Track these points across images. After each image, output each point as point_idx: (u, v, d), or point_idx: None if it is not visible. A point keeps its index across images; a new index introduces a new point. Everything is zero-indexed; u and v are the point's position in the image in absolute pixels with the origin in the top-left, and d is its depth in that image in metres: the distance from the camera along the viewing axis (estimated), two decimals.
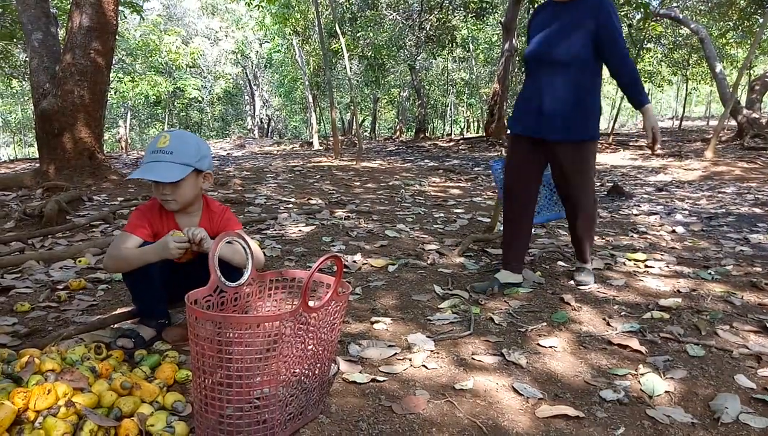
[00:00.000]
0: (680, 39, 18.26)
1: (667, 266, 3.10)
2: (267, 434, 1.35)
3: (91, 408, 1.38)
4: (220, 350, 1.29)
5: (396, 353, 1.91)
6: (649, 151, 2.68)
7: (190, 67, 23.77)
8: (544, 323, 2.23)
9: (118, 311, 2.22)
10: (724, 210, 5.17)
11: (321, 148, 15.25)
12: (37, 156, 6.45)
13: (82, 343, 1.85)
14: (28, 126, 24.22)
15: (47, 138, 5.72)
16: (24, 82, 15.42)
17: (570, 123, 2.43)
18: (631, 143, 13.08)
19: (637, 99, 2.45)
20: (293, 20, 16.45)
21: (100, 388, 1.47)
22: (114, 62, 7.22)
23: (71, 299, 2.40)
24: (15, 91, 22.29)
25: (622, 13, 12.74)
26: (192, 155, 1.86)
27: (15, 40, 11.93)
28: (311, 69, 18.77)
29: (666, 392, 1.68)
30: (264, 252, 3.20)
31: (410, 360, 1.87)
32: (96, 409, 1.40)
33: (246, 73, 26.69)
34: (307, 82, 18.68)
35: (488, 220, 4.18)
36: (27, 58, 6.86)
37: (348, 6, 16.25)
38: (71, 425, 1.30)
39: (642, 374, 1.77)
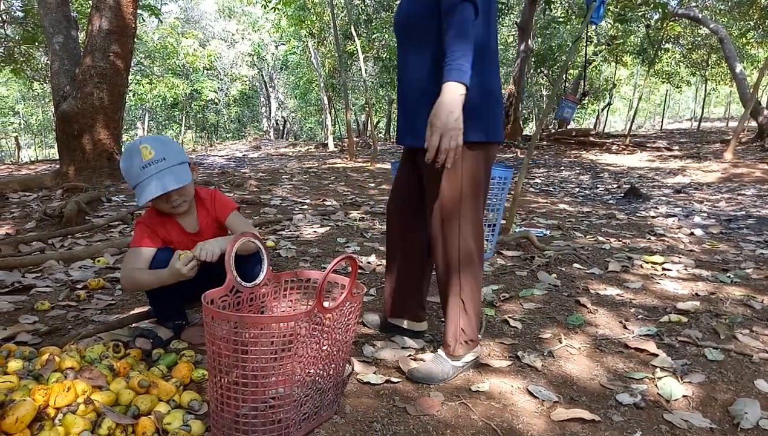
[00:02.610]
0: (699, 39, 18.02)
1: (685, 269, 3.06)
2: (282, 433, 1.35)
3: (109, 406, 1.40)
4: (236, 349, 1.30)
5: (410, 355, 1.91)
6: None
7: (207, 70, 23.97)
8: (560, 326, 2.21)
9: (136, 310, 2.25)
10: (743, 212, 5.09)
11: (336, 149, 15.29)
12: (57, 157, 6.55)
13: (100, 341, 1.88)
14: (49, 128, 24.60)
15: (67, 140, 5.81)
16: (45, 85, 15.68)
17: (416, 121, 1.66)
18: (648, 145, 12.93)
19: (447, 68, 1.48)
20: (309, 22, 16.51)
21: (118, 386, 1.49)
22: (132, 65, 7.31)
23: (90, 298, 2.44)
24: (36, 94, 22.67)
25: (640, 13, 12.60)
26: (180, 153, 1.86)
27: (37, 43, 12.14)
28: (326, 71, 18.84)
29: (684, 396, 1.66)
30: (279, 253, 3.22)
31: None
32: (114, 407, 1.42)
33: (262, 75, 26.86)
34: (322, 84, 18.74)
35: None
36: (48, 61, 6.97)
37: (363, 8, 16.28)
38: (90, 423, 1.32)
39: (659, 378, 1.76)
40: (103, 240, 3.53)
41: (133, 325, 2.08)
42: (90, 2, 6.81)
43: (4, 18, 11.60)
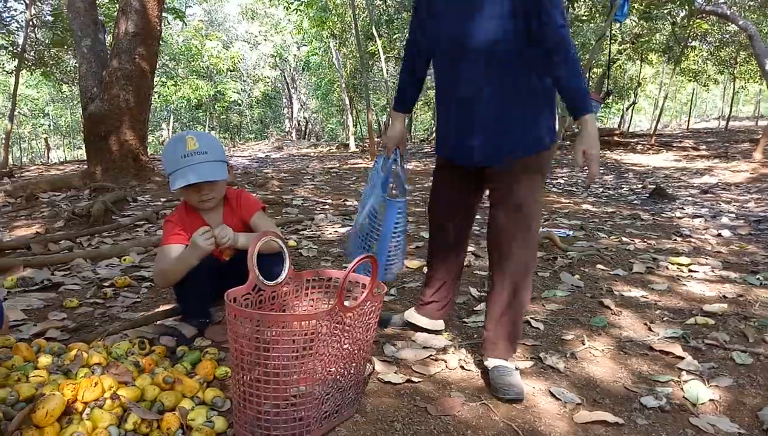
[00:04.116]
0: (727, 36, 17.63)
1: (713, 271, 3.00)
2: (303, 431, 1.36)
3: (134, 401, 1.42)
4: (258, 347, 1.31)
5: (431, 355, 1.91)
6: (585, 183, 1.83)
7: (231, 71, 24.22)
8: (583, 327, 2.19)
9: (161, 308, 2.29)
10: None
11: (357, 150, 15.33)
12: (85, 158, 6.69)
13: (126, 338, 1.91)
14: (77, 129, 25.13)
15: (94, 141, 5.93)
16: (73, 87, 16.00)
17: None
18: (674, 144, 12.71)
19: (580, 102, 1.55)
20: (330, 23, 16.59)
21: (144, 382, 1.51)
22: (157, 67, 7.43)
23: (116, 296, 2.48)
24: (65, 96, 23.17)
25: (666, 10, 12.37)
26: (221, 151, 1.94)
27: (66, 46, 12.43)
28: (348, 71, 18.90)
29: (710, 400, 1.63)
30: (300, 252, 3.24)
31: (445, 362, 1.86)
32: (139, 402, 1.44)
33: (284, 76, 27.04)
34: (343, 85, 18.82)
35: None
36: (77, 64, 7.12)
37: (384, 8, 16.30)
38: (116, 417, 1.35)
39: (685, 382, 1.73)
40: (129, 239, 3.59)
41: (158, 322, 2.11)
42: (117, 6, 6.94)
43: (35, 22, 11.89)
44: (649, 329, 2.17)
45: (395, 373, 1.76)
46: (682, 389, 1.69)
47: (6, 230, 3.90)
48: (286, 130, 28.61)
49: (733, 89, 21.44)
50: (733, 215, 4.88)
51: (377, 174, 2.04)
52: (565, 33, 1.52)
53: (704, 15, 14.03)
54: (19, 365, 1.57)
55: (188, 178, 1.82)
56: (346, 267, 1.66)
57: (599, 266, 3.07)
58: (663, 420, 1.53)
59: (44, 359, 1.61)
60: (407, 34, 1.87)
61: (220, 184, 1.95)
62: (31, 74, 15.78)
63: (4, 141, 11.18)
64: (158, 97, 20.66)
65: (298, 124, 28.44)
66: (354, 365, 1.49)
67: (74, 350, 1.66)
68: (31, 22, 11.25)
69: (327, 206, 5.04)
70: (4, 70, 13.78)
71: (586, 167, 1.58)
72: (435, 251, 1.97)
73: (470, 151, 1.70)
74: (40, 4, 12.32)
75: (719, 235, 4.03)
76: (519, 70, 1.60)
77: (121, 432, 1.32)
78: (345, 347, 1.44)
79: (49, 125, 27.01)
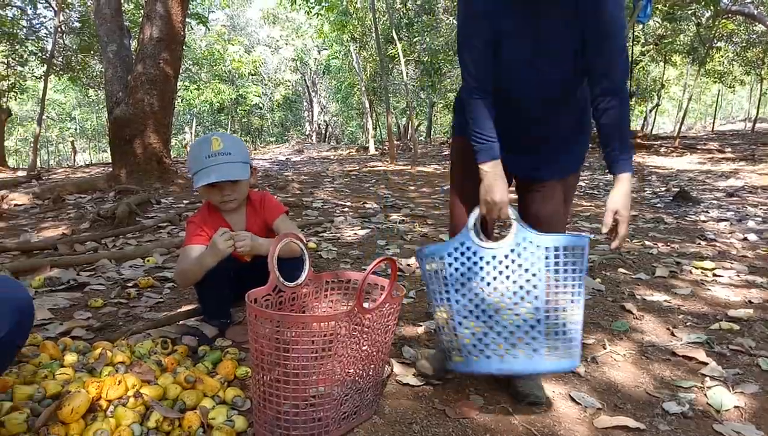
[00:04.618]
0: (754, 36, 17.28)
1: (738, 275, 2.94)
2: (322, 431, 1.37)
3: (157, 400, 1.45)
4: (278, 347, 1.33)
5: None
6: (611, 245, 1.64)
7: (252, 75, 24.48)
8: (604, 332, 2.16)
9: (183, 308, 2.32)
10: None
11: (377, 153, 15.36)
12: (110, 161, 6.82)
13: (149, 338, 1.94)
14: (103, 133, 25.61)
15: (119, 144, 6.04)
16: (99, 92, 16.34)
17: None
18: (699, 147, 12.49)
19: (624, 155, 1.52)
20: (351, 27, 16.67)
21: (166, 381, 1.54)
22: (181, 71, 7.54)
23: (140, 296, 2.53)
24: (91, 100, 23.67)
25: (690, 11, 12.18)
26: (245, 153, 1.97)
27: (92, 52, 12.70)
28: (368, 75, 18.96)
29: (735, 407, 1.60)
30: (320, 254, 3.26)
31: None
32: (161, 401, 1.47)
33: (305, 79, 27.24)
34: (363, 88, 18.88)
35: None
36: (103, 69, 7.27)
37: (405, 12, 16.33)
38: (139, 415, 1.38)
39: (709, 388, 1.70)
40: (153, 240, 3.65)
41: (180, 322, 2.15)
42: (142, 12, 7.07)
43: (63, 29, 12.17)
44: (672, 334, 2.14)
45: (414, 375, 1.76)
46: (705, 395, 1.67)
47: (34, 231, 4.00)
48: (307, 133, 28.80)
49: (760, 90, 21.00)
50: (760, 219, 4.77)
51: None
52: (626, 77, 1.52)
53: (730, 15, 13.78)
54: (45, 362, 1.61)
55: (210, 178, 1.85)
56: (365, 269, 1.67)
57: (621, 270, 3.03)
58: (686, 426, 1.51)
59: (70, 357, 1.65)
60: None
61: (242, 185, 1.98)
62: (59, 79, 16.12)
63: (32, 144, 11.44)
64: (181, 101, 20.97)
65: (319, 128, 28.60)
66: (373, 366, 1.50)
67: (99, 348, 1.70)
68: (59, 29, 11.51)
69: (346, 209, 5.06)
70: (34, 76, 14.11)
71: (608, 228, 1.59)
72: None
73: (535, 167, 1.70)
74: (68, 11, 12.60)
75: (745, 239, 3.95)
76: (582, 96, 1.63)
77: (143, 430, 1.35)
78: (364, 348, 1.45)
79: (76, 129, 27.57)
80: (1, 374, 1.36)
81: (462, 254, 1.49)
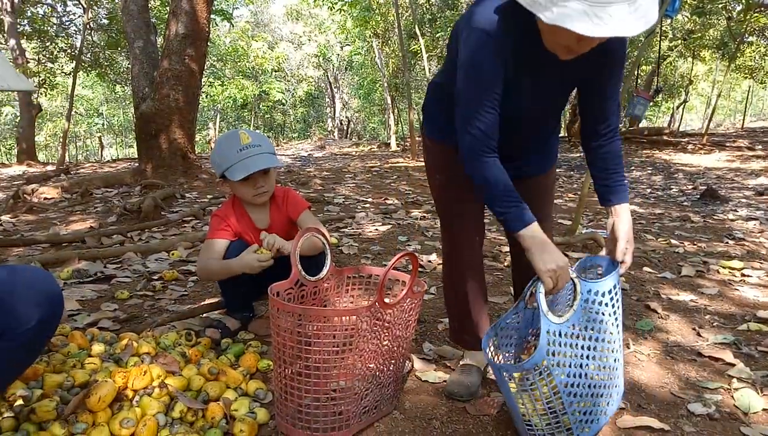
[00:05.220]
0: None
1: (767, 275, 2.88)
2: (342, 425, 1.38)
3: (181, 390, 1.47)
4: (300, 341, 1.34)
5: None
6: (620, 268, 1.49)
7: (275, 71, 24.62)
8: (628, 331, 2.13)
9: (207, 301, 2.35)
10: None
11: (398, 149, 15.33)
12: (136, 156, 6.93)
13: (174, 330, 1.98)
14: (129, 128, 26.02)
15: (146, 139, 6.13)
16: (126, 87, 16.60)
17: None
18: (728, 144, 12.20)
19: (625, 185, 1.55)
20: (374, 23, 16.64)
21: (190, 372, 1.57)
22: (205, 67, 7.63)
23: (165, 289, 2.57)
24: (118, 96, 24.06)
25: (720, 5, 11.88)
26: (271, 144, 2.01)
27: (119, 48, 12.93)
28: (390, 71, 18.92)
29: (764, 409, 1.57)
30: (341, 250, 3.28)
31: None
32: (185, 391, 1.50)
33: (327, 75, 27.31)
34: (385, 84, 18.85)
35: (569, 222, 4.05)
36: (129, 65, 7.39)
37: (428, 7, 16.25)
38: (164, 405, 1.40)
39: (736, 389, 1.66)
40: (177, 234, 3.71)
41: (204, 315, 2.18)
42: (168, 8, 7.16)
43: (92, 26, 12.40)
44: (698, 335, 2.10)
45: (434, 371, 1.76)
46: (732, 396, 1.63)
47: (62, 224, 4.09)
48: (329, 129, 28.89)
49: None
50: None
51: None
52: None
53: (763, 8, 13.40)
54: (74, 352, 1.65)
55: (249, 169, 1.87)
56: (386, 265, 1.67)
57: (646, 269, 2.99)
58: (711, 428, 1.48)
59: (97, 348, 1.69)
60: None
61: (273, 175, 2.02)
62: (87, 75, 16.45)
63: (61, 139, 11.68)
64: (205, 97, 21.17)
65: (341, 124, 28.66)
66: (393, 362, 1.50)
67: (125, 339, 1.73)
68: (88, 26, 11.73)
69: (368, 205, 5.07)
70: (63, 72, 14.41)
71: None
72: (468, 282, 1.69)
73: (524, 164, 1.67)
74: (96, 8, 12.83)
75: None
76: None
77: (168, 420, 1.37)
78: (384, 343, 1.45)
79: (103, 124, 28.06)
80: (32, 362, 1.39)
81: (552, 342, 1.30)
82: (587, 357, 1.36)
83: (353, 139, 24.58)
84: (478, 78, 1.38)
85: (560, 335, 1.31)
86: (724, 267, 3.01)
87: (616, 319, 1.44)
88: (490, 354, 1.41)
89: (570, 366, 1.32)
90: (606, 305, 1.41)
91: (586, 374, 1.35)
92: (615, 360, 1.43)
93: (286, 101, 26.40)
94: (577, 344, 1.35)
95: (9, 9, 11.30)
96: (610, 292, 1.42)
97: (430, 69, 13.84)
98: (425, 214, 4.56)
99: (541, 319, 1.29)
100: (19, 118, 12.80)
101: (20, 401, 1.33)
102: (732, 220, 4.65)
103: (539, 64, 1.40)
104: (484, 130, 1.40)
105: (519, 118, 1.51)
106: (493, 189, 1.40)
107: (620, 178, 1.53)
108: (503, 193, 1.39)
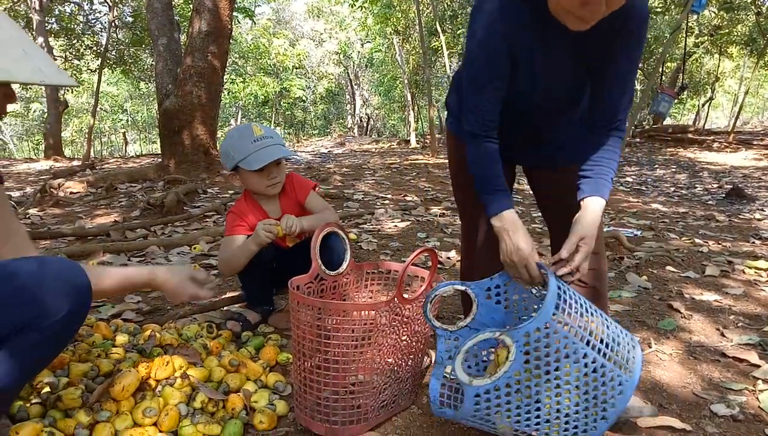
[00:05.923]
0: None
1: None
2: (360, 418, 1.39)
3: (202, 381, 1.50)
4: (320, 334, 1.35)
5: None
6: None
7: (296, 68, 24.75)
8: (650, 330, 2.11)
9: (228, 294, 2.38)
10: None
11: (418, 146, 15.32)
12: (159, 151, 7.03)
13: (195, 322, 2.01)
14: (153, 124, 26.40)
15: (168, 135, 6.22)
16: (150, 84, 16.87)
17: None
18: (755, 142, 11.94)
19: (601, 179, 1.42)
20: (394, 20, 16.63)
21: (211, 364, 1.59)
22: (227, 64, 7.70)
23: None
24: (142, 93, 24.43)
25: (749, 0, 11.61)
26: (282, 139, 2.04)
27: (144, 45, 13.12)
28: (410, 68, 18.89)
29: None
30: (361, 246, 3.29)
31: None
32: (207, 383, 1.52)
33: (347, 73, 27.36)
34: (406, 81, 18.82)
35: None
36: (153, 62, 7.49)
37: (449, 4, 16.17)
38: (185, 396, 1.43)
39: (761, 391, 1.63)
40: (199, 229, 3.76)
41: (225, 308, 2.21)
42: (191, 6, 7.24)
43: (117, 23, 12.60)
44: (722, 335, 2.07)
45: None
46: (757, 398, 1.60)
47: (88, 218, 4.17)
48: (349, 126, 28.95)
49: None
50: None
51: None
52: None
53: None
54: (99, 342, 1.69)
55: (265, 159, 1.89)
56: (405, 261, 1.67)
57: (669, 268, 2.94)
58: (735, 429, 1.46)
59: (121, 338, 1.73)
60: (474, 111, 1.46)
61: (284, 167, 2.05)
62: (112, 72, 16.71)
63: (87, 135, 11.90)
64: (227, 93, 21.38)
65: (360, 121, 28.70)
66: (412, 357, 1.51)
67: (148, 330, 1.76)
68: (113, 24, 11.93)
69: (387, 201, 5.07)
70: (89, 69, 14.68)
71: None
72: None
73: (549, 155, 1.65)
74: (121, 6, 13.04)
75: None
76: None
77: (189, 410, 1.39)
78: (403, 338, 1.46)
79: (127, 120, 28.48)
80: (60, 351, 1.43)
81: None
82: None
83: (373, 136, 24.61)
84: (486, 54, 1.38)
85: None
86: (749, 267, 2.96)
87: (581, 338, 1.18)
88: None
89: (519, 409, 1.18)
90: (552, 333, 1.15)
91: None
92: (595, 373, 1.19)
93: (307, 98, 26.52)
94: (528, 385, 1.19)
95: (38, 7, 11.54)
96: (555, 312, 1.15)
97: (450, 66, 13.78)
98: (444, 211, 4.55)
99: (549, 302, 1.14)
100: (46, 114, 13.07)
101: (47, 389, 1.36)
102: (759, 219, 4.56)
103: (549, 40, 1.36)
104: (487, 116, 1.42)
105: (534, 104, 1.48)
106: (478, 169, 1.45)
107: (604, 172, 1.41)
108: (486, 177, 1.44)
